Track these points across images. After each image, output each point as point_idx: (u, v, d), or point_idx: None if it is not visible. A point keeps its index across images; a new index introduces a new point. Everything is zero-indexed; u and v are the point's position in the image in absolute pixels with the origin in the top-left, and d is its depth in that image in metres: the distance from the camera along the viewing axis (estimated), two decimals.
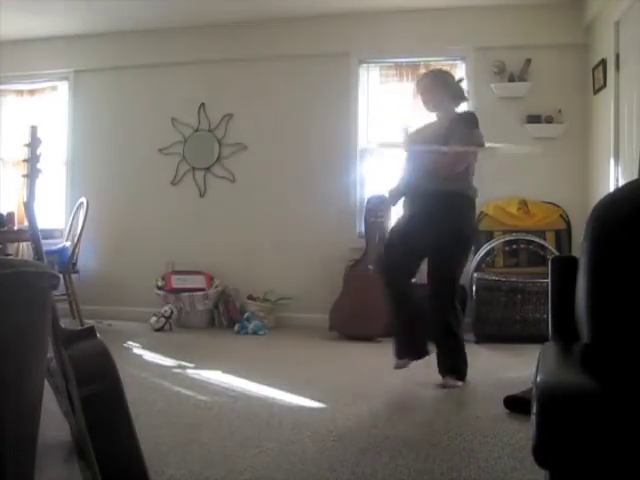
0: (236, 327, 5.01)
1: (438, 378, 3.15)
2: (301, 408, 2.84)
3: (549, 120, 4.93)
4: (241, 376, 3.41)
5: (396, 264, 3.17)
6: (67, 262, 4.82)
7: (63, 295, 4.76)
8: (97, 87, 5.85)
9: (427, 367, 3.20)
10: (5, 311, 1.26)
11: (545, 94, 4.95)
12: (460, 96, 3.39)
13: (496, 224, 4.92)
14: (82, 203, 5.03)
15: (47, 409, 1.59)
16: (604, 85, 4.39)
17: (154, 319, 5.02)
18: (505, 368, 3.63)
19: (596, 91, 4.58)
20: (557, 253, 4.69)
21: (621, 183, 4.03)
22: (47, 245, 2.77)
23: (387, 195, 3.51)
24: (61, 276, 4.59)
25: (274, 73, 5.48)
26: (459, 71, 5.18)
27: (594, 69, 4.59)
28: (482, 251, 4.83)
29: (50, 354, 1.69)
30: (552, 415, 1.17)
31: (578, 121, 4.89)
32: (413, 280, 3.30)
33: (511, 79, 4.98)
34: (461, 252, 3.23)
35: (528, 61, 4.91)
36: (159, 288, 5.30)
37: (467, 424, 2.57)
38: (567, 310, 1.78)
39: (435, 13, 5.06)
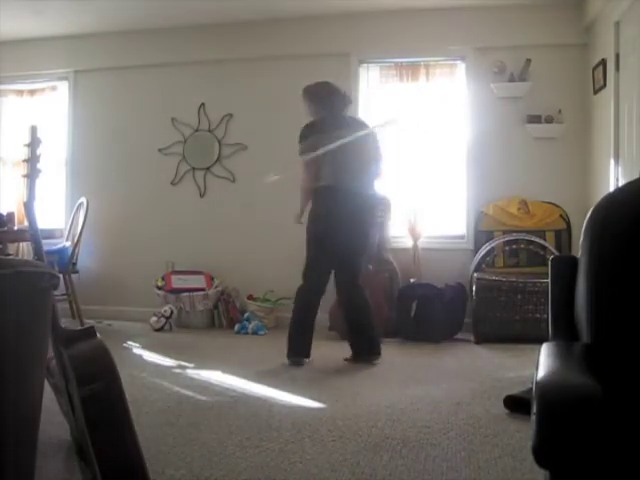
0: (236, 327, 5.01)
1: (438, 378, 3.14)
2: (301, 408, 2.84)
3: (549, 120, 4.93)
4: (241, 376, 3.42)
5: None
6: (67, 262, 4.82)
7: (63, 295, 4.76)
8: (97, 87, 5.85)
9: (427, 367, 3.20)
10: (5, 311, 1.26)
11: (545, 94, 4.96)
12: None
13: (496, 224, 4.92)
14: (82, 203, 5.03)
15: (47, 409, 1.59)
16: (604, 85, 4.39)
17: (154, 319, 5.02)
18: (505, 368, 3.63)
19: (596, 91, 4.58)
20: (557, 253, 4.69)
21: (621, 183, 4.03)
22: (47, 245, 2.77)
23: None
24: (61, 276, 4.59)
25: (274, 73, 5.47)
26: (459, 71, 5.19)
27: (594, 69, 4.59)
28: (482, 251, 4.83)
29: (50, 354, 1.69)
30: (552, 415, 1.17)
31: (578, 121, 4.90)
32: None
33: (511, 79, 4.98)
34: None
35: (528, 61, 4.91)
36: (159, 288, 5.30)
37: (467, 424, 2.57)
38: (567, 310, 1.78)
39: (435, 13, 5.06)
